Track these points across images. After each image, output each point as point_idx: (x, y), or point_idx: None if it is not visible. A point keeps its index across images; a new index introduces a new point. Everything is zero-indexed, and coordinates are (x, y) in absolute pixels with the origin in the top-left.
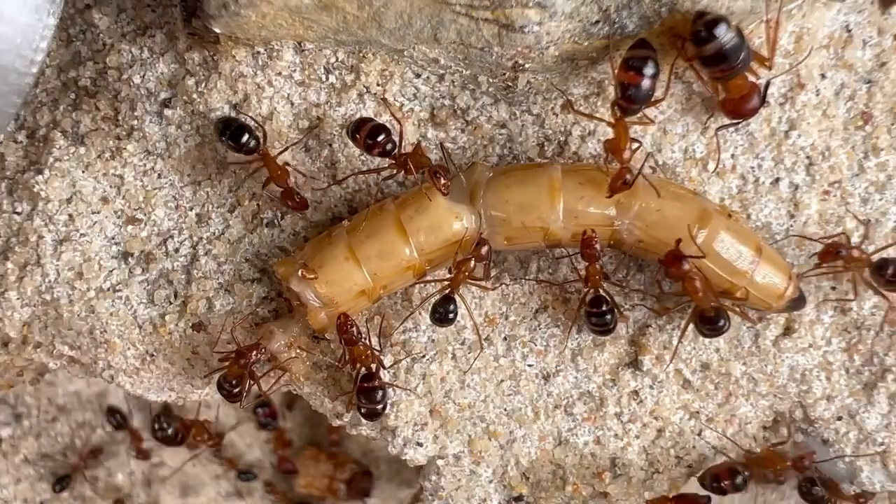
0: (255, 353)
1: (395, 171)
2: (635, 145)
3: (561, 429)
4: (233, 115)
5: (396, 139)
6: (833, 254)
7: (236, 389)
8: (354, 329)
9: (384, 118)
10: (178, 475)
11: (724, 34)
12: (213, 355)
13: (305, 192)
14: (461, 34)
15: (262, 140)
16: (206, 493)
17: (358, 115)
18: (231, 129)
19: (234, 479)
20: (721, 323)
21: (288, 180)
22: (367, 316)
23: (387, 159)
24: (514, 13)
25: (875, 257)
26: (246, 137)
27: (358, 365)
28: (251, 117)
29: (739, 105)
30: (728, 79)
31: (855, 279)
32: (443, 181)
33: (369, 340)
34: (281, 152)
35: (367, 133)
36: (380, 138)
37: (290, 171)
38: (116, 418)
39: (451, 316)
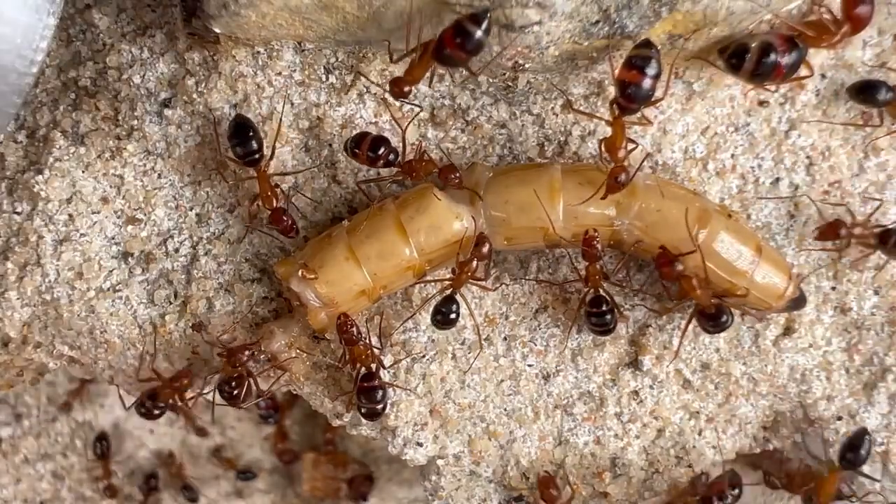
0: (248, 351)
1: (400, 178)
2: (631, 145)
3: (561, 429)
4: (249, 118)
5: (397, 146)
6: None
7: (236, 391)
8: (354, 329)
9: (384, 118)
10: (179, 476)
11: (749, 60)
12: (214, 355)
13: (306, 192)
14: None
15: (263, 156)
16: (207, 493)
17: (354, 132)
18: (243, 134)
19: (233, 479)
20: (724, 318)
21: (277, 202)
22: (367, 316)
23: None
24: (514, 13)
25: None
26: (255, 146)
27: (358, 365)
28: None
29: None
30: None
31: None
32: (454, 177)
33: (369, 340)
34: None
35: (368, 147)
36: (381, 151)
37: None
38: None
39: (452, 317)
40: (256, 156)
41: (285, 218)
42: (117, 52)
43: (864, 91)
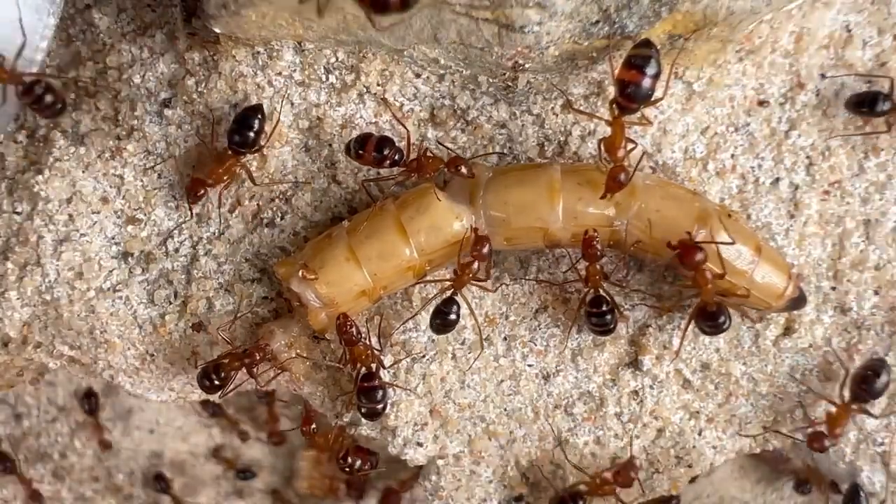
0: (259, 353)
1: (405, 177)
2: (630, 145)
3: (561, 429)
4: (262, 113)
5: (401, 145)
6: None
7: (218, 382)
8: (354, 329)
9: (384, 118)
10: (179, 476)
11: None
12: (214, 355)
13: (306, 192)
14: (461, 34)
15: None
16: (206, 493)
17: (354, 132)
18: (247, 124)
19: (233, 479)
20: (722, 319)
21: (216, 183)
22: (367, 316)
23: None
24: (514, 13)
25: None
26: (251, 139)
27: (358, 365)
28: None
29: None
30: None
31: None
32: (464, 169)
33: (369, 340)
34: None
35: (374, 147)
36: (387, 151)
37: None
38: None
39: (453, 317)
40: (243, 149)
41: (200, 192)
42: (117, 52)
43: (862, 104)
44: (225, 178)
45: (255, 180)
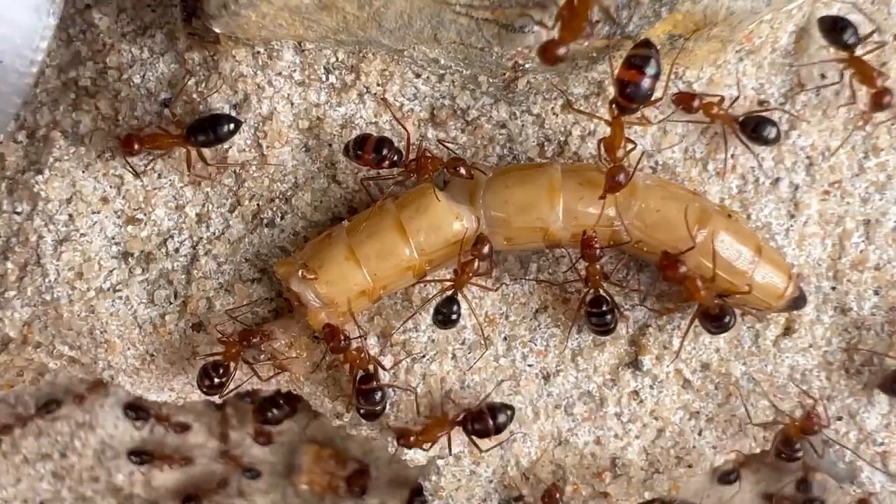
0: (253, 337)
1: (404, 177)
2: (630, 145)
3: (561, 429)
4: (239, 124)
5: (400, 146)
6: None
7: (218, 381)
8: (341, 337)
9: (384, 118)
10: (179, 476)
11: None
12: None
13: (306, 192)
14: (461, 34)
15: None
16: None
17: (354, 132)
18: (220, 123)
19: (237, 478)
20: (727, 319)
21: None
22: (367, 316)
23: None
24: (514, 13)
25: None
26: (212, 139)
27: (353, 367)
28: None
29: None
30: None
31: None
32: (463, 170)
33: (365, 342)
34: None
35: (372, 148)
36: (385, 151)
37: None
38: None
39: (454, 317)
40: (197, 143)
41: (134, 144)
42: (117, 52)
43: (834, 28)
44: (160, 150)
45: (191, 168)
